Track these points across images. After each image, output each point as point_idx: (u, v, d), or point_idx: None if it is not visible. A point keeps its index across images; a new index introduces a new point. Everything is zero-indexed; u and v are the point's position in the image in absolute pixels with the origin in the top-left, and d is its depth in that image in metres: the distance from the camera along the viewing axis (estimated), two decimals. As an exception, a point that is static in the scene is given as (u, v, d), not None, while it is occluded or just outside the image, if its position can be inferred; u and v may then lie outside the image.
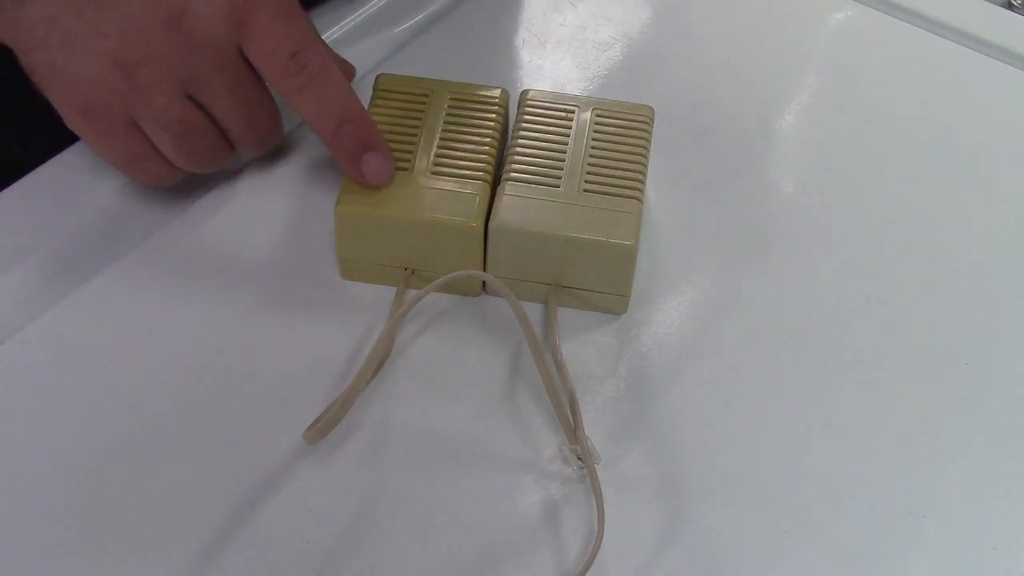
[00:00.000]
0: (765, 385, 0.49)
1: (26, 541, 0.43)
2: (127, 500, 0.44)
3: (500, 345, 0.50)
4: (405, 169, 0.51)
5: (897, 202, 0.57)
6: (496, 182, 0.51)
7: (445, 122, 0.53)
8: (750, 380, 0.50)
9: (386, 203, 0.50)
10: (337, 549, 0.43)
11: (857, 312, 0.52)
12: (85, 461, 0.45)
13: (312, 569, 0.43)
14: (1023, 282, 0.54)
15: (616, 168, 0.51)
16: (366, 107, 0.52)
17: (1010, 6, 0.70)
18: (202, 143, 0.50)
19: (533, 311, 0.51)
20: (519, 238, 0.49)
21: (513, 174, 0.51)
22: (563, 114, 0.53)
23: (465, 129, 0.52)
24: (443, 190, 0.50)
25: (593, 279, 0.50)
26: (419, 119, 0.53)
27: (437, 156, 0.51)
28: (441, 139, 0.52)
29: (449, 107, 0.53)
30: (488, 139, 0.52)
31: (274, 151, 0.56)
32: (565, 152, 0.52)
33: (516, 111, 0.54)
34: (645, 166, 0.52)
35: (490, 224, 0.49)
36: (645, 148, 0.52)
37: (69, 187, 0.55)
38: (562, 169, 0.51)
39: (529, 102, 0.54)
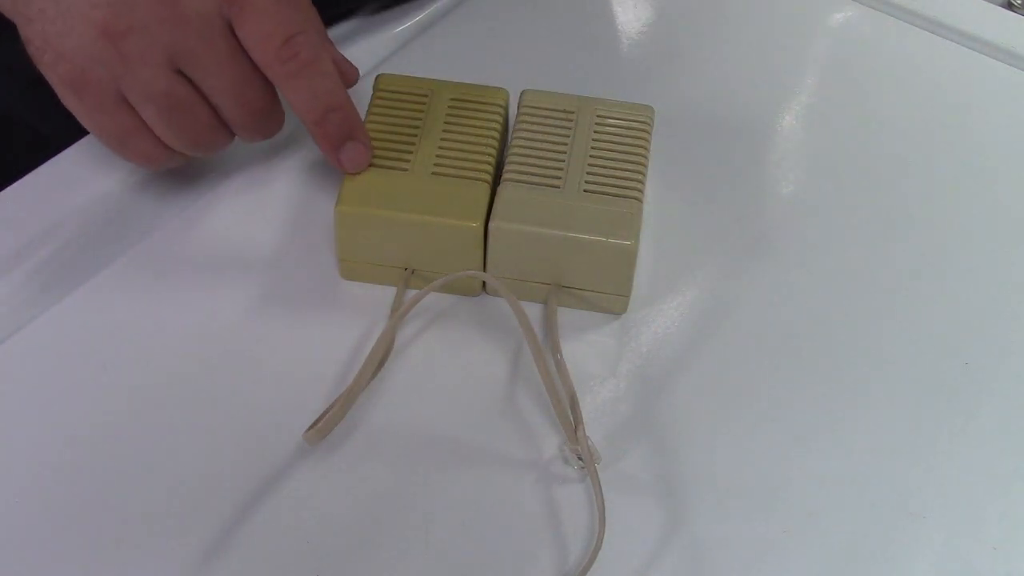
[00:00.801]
0: (765, 385, 0.50)
1: (26, 541, 0.43)
2: (127, 500, 0.44)
3: (500, 345, 0.50)
4: (405, 169, 0.51)
5: (897, 202, 0.57)
6: (496, 182, 0.51)
7: (445, 122, 0.53)
8: (750, 380, 0.50)
9: (386, 203, 0.50)
10: (337, 549, 0.43)
11: (857, 312, 0.53)
12: (85, 461, 0.45)
13: (312, 569, 0.43)
14: (1023, 282, 0.54)
15: (616, 168, 0.51)
16: (366, 107, 0.52)
17: (1010, 6, 0.70)
18: (192, 120, 0.49)
19: (533, 311, 0.51)
20: (519, 238, 0.49)
21: (513, 174, 0.51)
22: (563, 114, 0.53)
23: (465, 129, 0.52)
24: (443, 190, 0.50)
25: (593, 279, 0.50)
26: (419, 119, 0.53)
27: (437, 156, 0.51)
28: (441, 139, 0.52)
29: (449, 107, 0.53)
30: (488, 139, 0.52)
31: (276, 145, 0.55)
32: (565, 152, 0.52)
33: (516, 111, 0.54)
34: (645, 166, 0.52)
35: (490, 224, 0.49)
36: (645, 148, 0.52)
37: (69, 187, 0.55)
38: (562, 169, 0.51)
39: (529, 102, 0.54)
